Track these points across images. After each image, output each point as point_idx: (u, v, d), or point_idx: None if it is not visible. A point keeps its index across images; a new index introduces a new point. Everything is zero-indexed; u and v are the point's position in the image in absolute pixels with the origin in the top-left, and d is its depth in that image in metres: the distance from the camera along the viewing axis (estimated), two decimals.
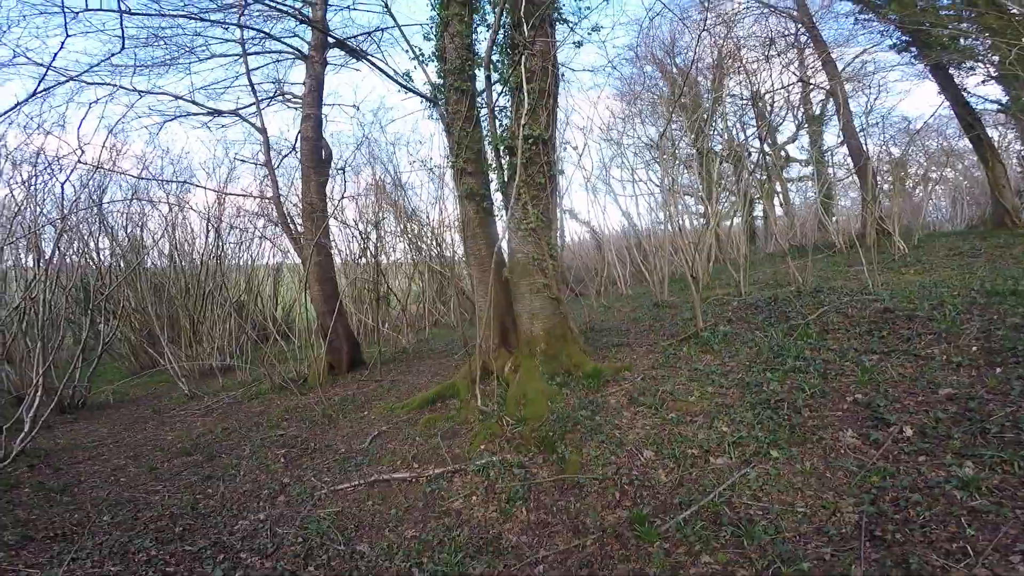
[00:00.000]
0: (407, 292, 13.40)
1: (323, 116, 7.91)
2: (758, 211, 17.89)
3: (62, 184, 9.85)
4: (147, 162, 11.75)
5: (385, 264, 12.80)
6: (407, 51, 5.66)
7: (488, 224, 5.97)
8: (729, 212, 15.31)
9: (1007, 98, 11.63)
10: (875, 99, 16.67)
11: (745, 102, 14.80)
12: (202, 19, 6.92)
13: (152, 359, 10.41)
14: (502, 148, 5.67)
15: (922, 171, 17.99)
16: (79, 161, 9.63)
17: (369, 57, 5.43)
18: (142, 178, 9.95)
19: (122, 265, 10.96)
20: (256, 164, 9.12)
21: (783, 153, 18.31)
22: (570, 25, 6.00)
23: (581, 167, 17.06)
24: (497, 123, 5.78)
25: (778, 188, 17.99)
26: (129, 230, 11.33)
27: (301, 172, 8.00)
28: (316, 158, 7.86)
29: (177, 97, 8.18)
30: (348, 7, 8.11)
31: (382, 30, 8.27)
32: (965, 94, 11.90)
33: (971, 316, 4.85)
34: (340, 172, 9.39)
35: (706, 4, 10.22)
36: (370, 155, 14.31)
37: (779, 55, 14.26)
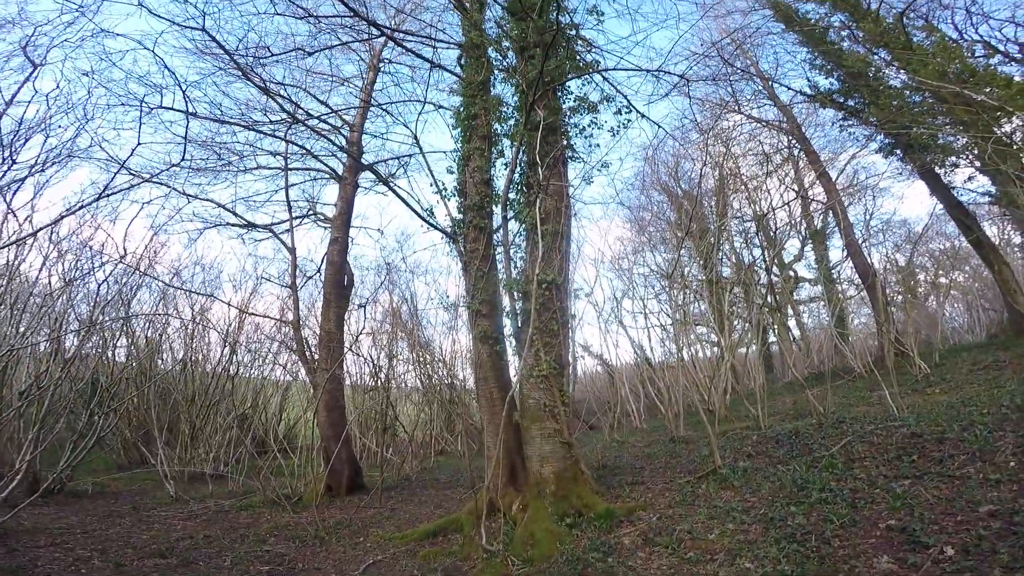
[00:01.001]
0: (415, 420, 13.28)
1: (350, 239, 8.46)
2: (772, 337, 17.82)
3: (99, 284, 10.40)
4: (179, 267, 12.41)
5: (395, 391, 12.87)
6: (431, 184, 6.22)
7: (500, 367, 6.06)
8: (743, 340, 15.31)
9: (995, 187, 11.53)
10: (873, 208, 17.30)
11: (749, 223, 15.49)
12: (254, 129, 7.73)
13: (143, 457, 10.18)
14: (516, 292, 5.92)
15: (932, 277, 18.04)
16: (120, 259, 10.28)
17: (396, 189, 5.91)
18: (172, 286, 10.45)
19: (135, 366, 11.11)
20: (281, 285, 9.61)
21: (791, 273, 18.69)
22: (582, 160, 6.55)
23: (593, 302, 17.50)
24: (512, 265, 6.09)
25: (790, 312, 18.08)
26: (149, 333, 11.66)
27: (323, 297, 8.36)
28: (339, 284, 8.24)
29: (220, 206, 8.84)
30: (382, 134, 9.02)
31: (411, 156, 9.13)
32: (955, 193, 11.91)
33: (1004, 433, 4.69)
34: (360, 308, 9.81)
35: (701, 125, 11.10)
36: (389, 281, 14.91)
37: (776, 170, 15.15)
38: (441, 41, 7.19)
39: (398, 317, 12.38)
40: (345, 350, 8.56)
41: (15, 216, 9.13)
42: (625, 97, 6.46)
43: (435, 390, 12.12)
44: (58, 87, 7.83)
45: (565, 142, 6.33)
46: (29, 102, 8.08)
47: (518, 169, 6.15)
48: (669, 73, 6.56)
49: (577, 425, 12.51)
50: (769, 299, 15.52)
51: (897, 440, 5.30)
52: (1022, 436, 4.53)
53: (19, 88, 7.93)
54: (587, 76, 6.59)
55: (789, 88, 13.44)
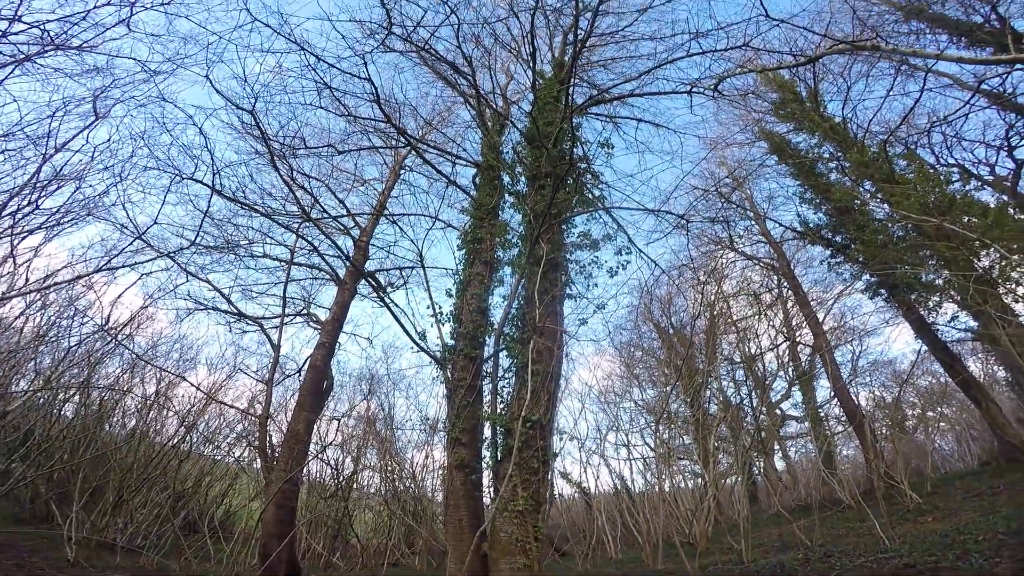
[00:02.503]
0: (371, 526, 12.35)
1: (337, 344, 8.24)
2: (758, 466, 17.35)
3: (70, 346, 9.99)
4: (158, 340, 12.03)
5: (356, 495, 12.11)
6: (428, 307, 6.12)
7: (475, 496, 5.71)
8: (727, 473, 14.85)
9: (977, 324, 11.53)
10: (860, 350, 17.50)
11: (738, 364, 15.53)
12: (270, 217, 7.73)
13: (50, 514, 9.23)
14: (500, 427, 5.69)
15: (920, 412, 17.86)
16: (102, 328, 9.94)
17: (393, 308, 5.79)
18: (143, 359, 10.04)
19: (76, 426, 10.43)
20: (257, 379, 9.25)
21: (778, 411, 18.56)
22: (579, 297, 6.53)
23: (575, 435, 17.16)
24: (499, 398, 5.91)
25: (776, 446, 17.76)
26: (106, 396, 11.05)
27: (297, 397, 8.01)
28: (317, 389, 7.93)
29: (217, 290, 8.65)
30: (389, 245, 9.09)
31: (413, 268, 9.16)
32: (939, 334, 11.94)
33: (1001, 559, 4.52)
34: (336, 420, 9.46)
35: (696, 262, 11.36)
36: (369, 391, 14.42)
37: (766, 311, 15.41)
38: (460, 158, 7.47)
39: (372, 426, 11.84)
40: (309, 457, 8.02)
41: (14, 261, 9.03)
42: (628, 235, 6.58)
43: (399, 501, 11.35)
44: (109, 140, 7.99)
45: (565, 278, 6.33)
46: (76, 150, 8.30)
47: (515, 302, 6.09)
48: (670, 213, 6.76)
49: (548, 552, 11.61)
50: (755, 437, 15.20)
51: (889, 572, 5.13)
52: (1020, 562, 4.40)
53: (76, 135, 8.14)
54: (593, 212, 6.75)
55: (780, 224, 14.05)
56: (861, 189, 12.52)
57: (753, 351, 15.13)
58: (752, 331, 15.50)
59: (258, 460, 8.95)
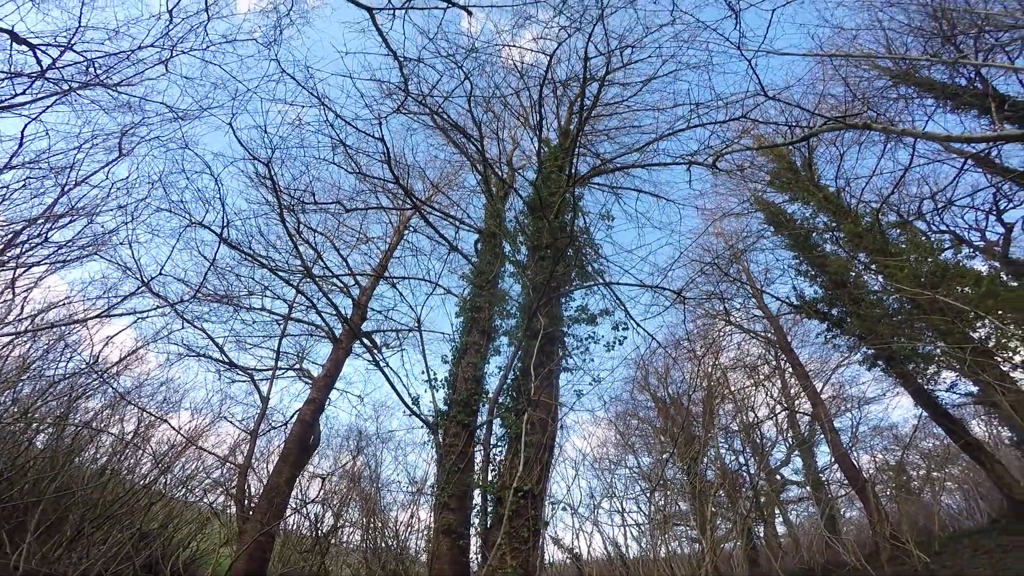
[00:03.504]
0: None
1: (328, 399, 8.17)
2: (757, 532, 16.90)
3: (54, 380, 9.86)
4: (144, 380, 11.88)
5: (334, 548, 11.68)
6: (423, 372, 6.11)
7: (461, 562, 5.55)
8: (726, 538, 14.46)
9: (976, 388, 11.39)
10: (860, 416, 17.37)
11: (736, 433, 15.40)
12: (273, 271, 7.80)
13: (0, 542, 8.78)
14: (490, 495, 5.60)
15: (924, 473, 17.49)
16: (89, 367, 9.84)
17: (388, 372, 5.78)
18: (126, 398, 9.88)
19: (44, 459, 10.14)
20: (242, 429, 9.09)
21: (778, 476, 18.28)
22: (575, 369, 6.53)
23: (568, 502, 16.85)
24: (490, 466, 5.84)
25: (777, 511, 17.36)
26: (81, 431, 10.79)
27: (282, 449, 7.87)
28: (303, 443, 7.80)
29: (212, 339, 8.61)
30: (387, 309, 9.14)
31: (410, 331, 9.14)
32: (939, 400, 11.86)
33: None
34: (320, 479, 9.28)
35: (692, 335, 11.43)
36: (357, 449, 14.11)
37: (763, 381, 15.39)
38: (463, 223, 7.62)
39: (357, 483, 11.52)
40: (288, 512, 7.79)
41: (12, 291, 9.04)
42: (626, 310, 6.65)
43: (379, 560, 10.92)
44: (127, 178, 8.20)
45: (562, 352, 6.35)
46: (94, 185, 8.46)
47: (512, 373, 6.09)
48: (668, 289, 6.85)
49: None
50: (754, 503, 14.89)
51: None
52: None
53: (97, 170, 8.33)
54: (591, 286, 6.84)
55: (776, 298, 14.19)
56: (856, 261, 12.72)
57: (751, 420, 15.02)
58: (750, 401, 15.44)
59: (233, 507, 8.66)
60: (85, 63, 7.65)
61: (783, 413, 15.94)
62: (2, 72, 7.31)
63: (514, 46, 9.10)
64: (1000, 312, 9.71)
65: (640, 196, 8.82)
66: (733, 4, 7.67)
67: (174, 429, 9.85)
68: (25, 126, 7.53)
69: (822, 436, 15.94)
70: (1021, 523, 10.70)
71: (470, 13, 8.48)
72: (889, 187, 11.59)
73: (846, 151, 13.14)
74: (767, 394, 16.30)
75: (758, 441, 15.82)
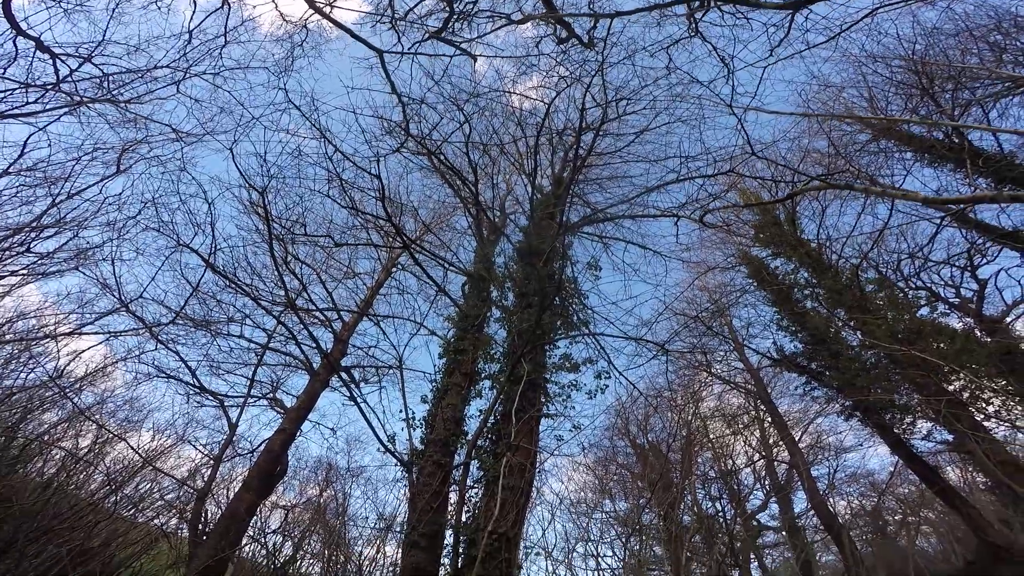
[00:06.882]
0: None
1: (300, 429, 8.03)
2: (735, 574, 16.70)
3: (12, 391, 9.55)
4: (106, 396, 11.54)
5: None
6: (401, 411, 6.07)
7: None
8: None
9: (951, 436, 11.52)
10: (836, 464, 17.53)
11: (714, 480, 15.43)
12: (256, 300, 7.76)
13: None
14: (463, 536, 5.51)
15: (900, 518, 17.50)
16: (52, 380, 9.56)
17: (364, 410, 5.73)
18: (86, 415, 9.56)
19: None
20: (204, 454, 8.83)
21: (755, 522, 18.24)
22: (556, 415, 6.54)
23: (543, 546, 16.67)
24: (465, 508, 5.76)
25: (752, 556, 17.24)
26: (33, 444, 10.37)
27: (245, 477, 7.64)
28: (268, 473, 7.56)
29: (185, 363, 8.44)
30: (369, 347, 9.10)
31: (391, 369, 9.04)
32: (914, 449, 12.00)
33: None
34: (283, 510, 9.06)
35: (674, 385, 11.54)
36: (326, 481, 13.70)
37: (743, 430, 15.50)
38: (452, 265, 7.71)
39: (322, 514, 11.17)
40: (245, 541, 7.51)
41: None
42: (609, 360, 6.72)
43: None
44: (120, 194, 8.21)
45: (543, 399, 6.37)
46: (87, 199, 8.42)
47: (492, 417, 6.08)
48: (651, 342, 6.95)
49: None
50: (729, 547, 14.78)
51: None
52: None
53: (92, 184, 8.32)
54: (576, 336, 6.92)
55: (757, 352, 14.42)
56: (835, 317, 13.03)
57: (729, 467, 15.02)
58: (728, 449, 15.50)
59: (185, 530, 8.30)
60: (99, 78, 7.77)
61: (761, 461, 15.97)
62: (17, 81, 7.40)
63: (514, 93, 9.47)
64: (974, 366, 9.98)
65: (628, 247, 9.06)
66: (728, 62, 8.12)
67: (131, 448, 9.50)
68: (30, 136, 7.57)
69: (799, 483, 15.99)
70: (996, 566, 10.78)
71: (475, 59, 8.86)
72: (868, 243, 11.98)
73: (828, 205, 13.54)
74: (746, 442, 16.36)
75: (735, 488, 15.81)
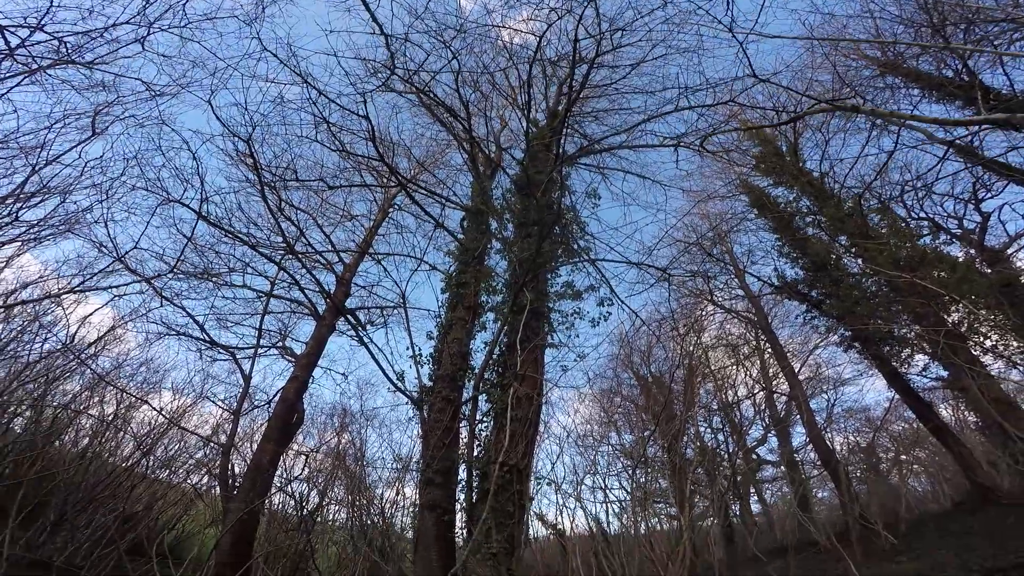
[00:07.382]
0: (334, 563, 11.90)
1: (311, 377, 8.11)
2: (734, 511, 17.38)
3: (29, 361, 9.67)
4: (123, 360, 11.65)
5: (320, 528, 11.71)
6: (408, 348, 6.10)
7: (447, 538, 5.58)
8: (704, 516, 14.89)
9: (947, 373, 11.81)
10: (835, 397, 17.91)
11: (716, 412, 15.72)
12: (254, 248, 7.69)
13: None
14: (476, 470, 5.64)
15: (893, 455, 18.13)
16: (65, 347, 9.64)
17: (371, 348, 5.78)
18: (105, 380, 9.70)
19: (23, 442, 9.99)
20: (224, 408, 8.98)
21: (755, 456, 18.77)
22: (560, 346, 6.59)
23: (552, 477, 17.11)
24: (476, 442, 5.87)
25: (752, 490, 17.87)
26: (60, 414, 10.61)
27: (265, 429, 7.80)
28: (286, 422, 7.71)
29: (192, 317, 8.46)
30: (372, 285, 9.05)
31: (395, 308, 9.04)
32: (911, 383, 12.21)
33: None
34: (301, 456, 9.25)
35: (677, 314, 11.58)
36: (341, 426, 14.07)
37: (744, 360, 15.69)
38: (449, 201, 7.56)
39: (342, 461, 11.51)
40: (272, 490, 7.76)
41: None
42: (610, 287, 6.69)
43: (365, 537, 10.99)
44: (101, 157, 7.96)
45: (547, 328, 6.38)
46: (67, 164, 8.21)
47: (498, 348, 6.11)
48: (653, 267, 6.90)
49: None
50: (732, 481, 15.30)
51: None
52: None
53: (69, 149, 8.08)
54: (577, 262, 6.87)
55: (758, 278, 14.40)
56: (836, 244, 12.94)
57: (730, 399, 15.32)
58: (730, 380, 15.73)
59: (217, 488, 8.61)
60: (55, 43, 7.35)
61: (761, 393, 16.30)
62: None
63: (503, 27, 9.00)
64: (974, 297, 9.96)
65: (627, 177, 8.87)
66: None
67: (155, 410, 9.74)
68: None
69: (798, 416, 16.41)
70: (984, 507, 11.01)
71: None
72: (872, 173, 11.75)
73: (832, 137, 13.20)
74: (747, 373, 16.62)
75: (736, 420, 16.21)
